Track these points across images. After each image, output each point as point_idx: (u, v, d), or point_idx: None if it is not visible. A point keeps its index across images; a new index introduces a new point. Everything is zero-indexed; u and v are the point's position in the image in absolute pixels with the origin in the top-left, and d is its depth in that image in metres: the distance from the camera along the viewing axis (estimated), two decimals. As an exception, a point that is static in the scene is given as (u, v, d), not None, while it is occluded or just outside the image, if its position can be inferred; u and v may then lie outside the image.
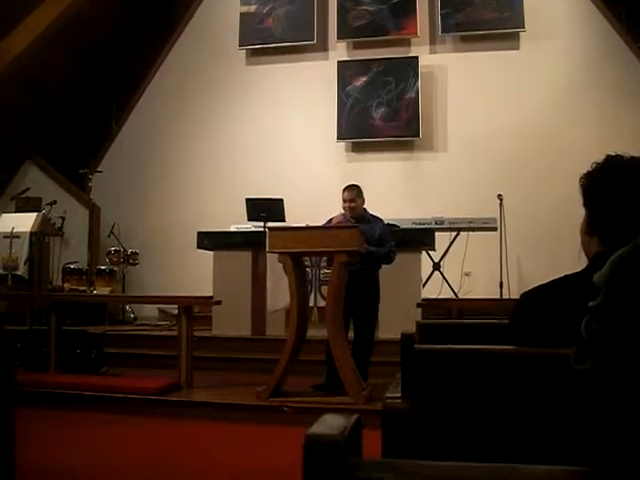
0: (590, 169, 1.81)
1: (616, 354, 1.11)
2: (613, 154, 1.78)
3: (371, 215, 6.06)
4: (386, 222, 6.17)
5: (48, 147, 11.18)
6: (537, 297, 1.92)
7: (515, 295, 8.26)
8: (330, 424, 0.96)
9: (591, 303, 1.17)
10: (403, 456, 1.68)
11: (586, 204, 1.83)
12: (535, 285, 1.96)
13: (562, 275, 1.89)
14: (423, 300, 7.28)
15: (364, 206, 6.05)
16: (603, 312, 1.14)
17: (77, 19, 10.37)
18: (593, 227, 1.82)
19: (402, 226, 8.00)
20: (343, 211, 5.97)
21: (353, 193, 5.95)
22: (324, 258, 7.09)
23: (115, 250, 10.10)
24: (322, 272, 7.50)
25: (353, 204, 5.91)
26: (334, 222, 5.89)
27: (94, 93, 11.22)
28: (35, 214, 9.14)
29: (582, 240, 1.89)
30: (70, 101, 11.05)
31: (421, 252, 7.98)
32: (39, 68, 10.31)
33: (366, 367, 5.79)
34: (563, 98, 10.03)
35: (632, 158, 1.75)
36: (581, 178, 1.82)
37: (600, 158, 1.80)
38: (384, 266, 5.99)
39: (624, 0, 10.15)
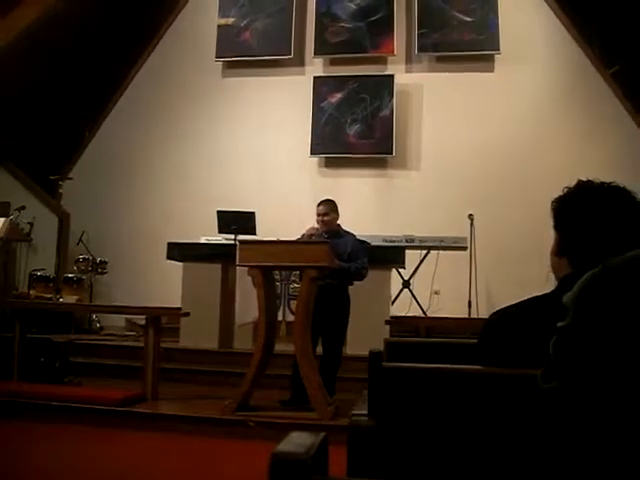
0: (562, 193, 1.83)
1: (582, 374, 1.12)
2: (584, 179, 1.81)
3: (344, 231, 6.06)
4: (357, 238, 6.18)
5: (18, 152, 11.05)
6: (506, 317, 1.93)
7: (483, 315, 8.30)
8: (296, 442, 0.95)
9: (560, 323, 1.18)
10: (368, 474, 1.67)
11: (557, 227, 1.85)
12: (504, 305, 1.98)
13: (531, 296, 1.91)
14: (392, 317, 7.29)
15: (338, 222, 6.07)
16: (571, 332, 1.15)
17: (53, 24, 10.29)
18: (563, 249, 1.85)
19: (372, 243, 8.00)
20: (317, 225, 5.98)
21: (327, 207, 5.97)
22: (294, 272, 7.08)
23: (84, 258, 10.00)
24: (291, 287, 7.49)
25: (326, 218, 5.92)
26: (305, 232, 5.90)
27: (67, 99, 11.12)
28: (3, 219, 8.99)
29: (552, 261, 1.92)
30: (42, 106, 10.93)
31: (391, 269, 8.00)
32: (11, 72, 10.19)
33: (333, 383, 5.78)
34: (536, 121, 10.15)
35: (602, 183, 1.78)
36: (553, 202, 1.85)
37: (571, 182, 1.83)
38: (354, 282, 5.99)
39: (596, 28, 10.33)
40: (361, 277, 5.93)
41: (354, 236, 6.07)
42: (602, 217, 1.73)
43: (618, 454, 1.06)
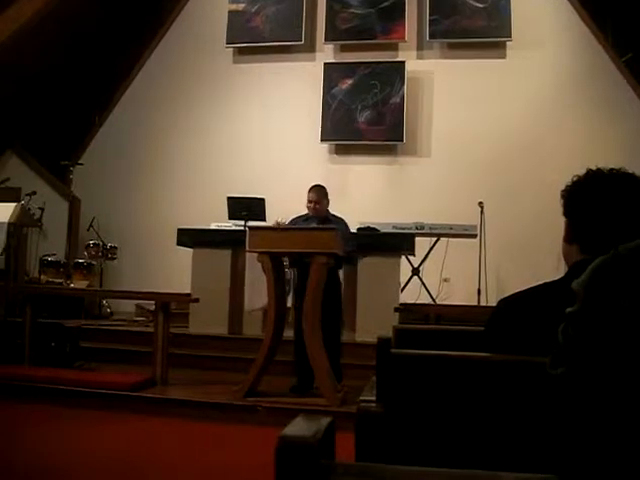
0: (571, 181, 1.83)
1: (591, 360, 1.11)
2: (594, 168, 1.81)
3: (333, 216, 6.05)
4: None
5: (30, 138, 11.07)
6: (515, 304, 1.93)
7: (493, 302, 8.24)
8: (303, 426, 0.95)
9: (569, 309, 1.17)
10: (376, 460, 1.68)
11: (567, 213, 1.85)
12: (513, 292, 1.97)
13: (540, 283, 1.90)
14: (401, 305, 7.28)
15: (328, 207, 6.07)
16: (580, 318, 1.15)
17: (62, 10, 10.28)
18: (573, 236, 1.84)
19: (382, 230, 8.01)
20: (307, 210, 5.98)
21: (320, 194, 5.96)
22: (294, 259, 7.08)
23: (94, 244, 10.01)
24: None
25: (318, 205, 5.92)
26: (289, 221, 5.94)
27: (78, 85, 11.13)
28: (14, 204, 9.00)
29: (563, 248, 1.91)
30: (54, 92, 10.95)
31: (400, 256, 7.98)
32: (22, 59, 10.20)
33: (338, 368, 5.77)
34: (547, 108, 10.09)
35: (612, 169, 1.78)
36: (562, 190, 1.84)
37: (582, 170, 1.83)
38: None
39: (610, 16, 10.24)
40: (350, 260, 5.90)
41: (343, 221, 6.03)
42: (612, 203, 1.73)
43: (627, 440, 1.06)
